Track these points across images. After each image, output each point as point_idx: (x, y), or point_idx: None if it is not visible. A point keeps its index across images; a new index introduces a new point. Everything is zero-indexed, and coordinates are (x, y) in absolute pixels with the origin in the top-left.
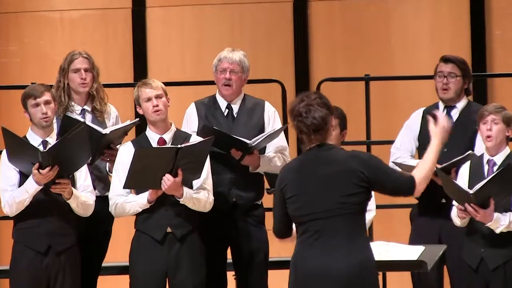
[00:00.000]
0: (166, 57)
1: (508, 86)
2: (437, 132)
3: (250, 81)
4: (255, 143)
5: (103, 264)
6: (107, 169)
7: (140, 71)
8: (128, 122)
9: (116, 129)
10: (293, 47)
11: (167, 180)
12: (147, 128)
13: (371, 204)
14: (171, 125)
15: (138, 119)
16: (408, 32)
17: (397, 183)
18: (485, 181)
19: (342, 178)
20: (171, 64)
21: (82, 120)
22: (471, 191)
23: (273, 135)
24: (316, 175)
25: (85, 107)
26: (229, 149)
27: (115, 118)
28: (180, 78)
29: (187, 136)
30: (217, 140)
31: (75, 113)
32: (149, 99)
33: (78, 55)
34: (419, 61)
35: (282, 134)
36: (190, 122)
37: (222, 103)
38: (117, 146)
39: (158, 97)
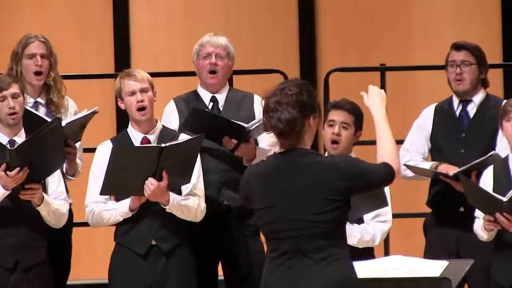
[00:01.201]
0: (152, 45)
1: None
2: (374, 101)
3: (249, 72)
4: (253, 127)
5: (81, 282)
6: (64, 171)
7: (122, 61)
8: (85, 112)
9: (72, 121)
10: (297, 33)
11: (150, 184)
12: (129, 125)
13: (387, 215)
14: (156, 122)
15: (97, 107)
16: (429, 16)
17: (381, 179)
18: None
19: (316, 192)
20: (158, 53)
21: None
22: (504, 198)
23: None
24: (287, 186)
25: (39, 99)
26: (221, 138)
27: (73, 114)
28: (168, 68)
29: (175, 135)
30: (207, 128)
31: (28, 105)
32: (132, 93)
33: (34, 39)
34: (442, 49)
35: None
36: (170, 121)
37: (206, 96)
38: (78, 144)
39: (143, 91)
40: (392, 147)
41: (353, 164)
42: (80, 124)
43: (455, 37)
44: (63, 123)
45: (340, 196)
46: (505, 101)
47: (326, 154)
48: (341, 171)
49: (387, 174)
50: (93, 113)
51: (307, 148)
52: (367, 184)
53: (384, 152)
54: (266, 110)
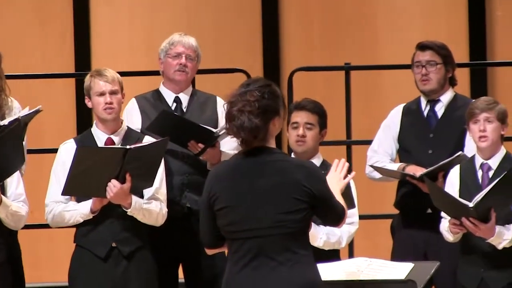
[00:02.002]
0: (112, 43)
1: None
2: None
3: (212, 71)
4: (221, 132)
5: (42, 285)
6: None
7: (82, 59)
8: (26, 111)
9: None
10: (261, 32)
11: (113, 186)
12: (94, 125)
13: (353, 217)
14: (121, 123)
15: (40, 106)
16: (395, 15)
17: (334, 214)
18: (486, 191)
19: (283, 191)
20: (118, 51)
21: None
22: (470, 204)
23: None
24: (253, 185)
25: None
26: (187, 142)
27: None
28: (128, 67)
29: (139, 137)
30: (173, 131)
31: None
32: (102, 94)
33: None
34: (408, 48)
35: None
36: (131, 119)
37: (169, 96)
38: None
39: (113, 93)
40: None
41: (323, 177)
42: (23, 123)
43: (421, 36)
44: (3, 123)
45: (306, 197)
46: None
47: (292, 155)
48: (309, 173)
49: (342, 212)
50: (36, 112)
51: (273, 147)
52: (324, 205)
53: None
54: (228, 118)
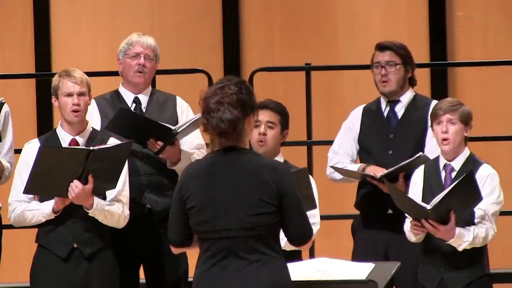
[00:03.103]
0: (73, 43)
1: (472, 76)
2: None
3: (173, 71)
4: (180, 129)
5: (2, 285)
6: None
7: (43, 59)
8: None
9: None
10: (221, 32)
11: (75, 187)
12: (59, 126)
13: (315, 217)
14: (87, 124)
15: (3, 98)
16: (356, 15)
17: (297, 226)
18: (444, 193)
19: (253, 192)
20: (80, 51)
21: None
22: (428, 207)
23: (197, 123)
24: (224, 185)
25: None
26: (146, 140)
27: None
28: (90, 67)
29: (104, 138)
30: (132, 129)
31: None
32: (69, 95)
33: None
34: (368, 48)
35: (199, 131)
36: (91, 120)
37: (128, 97)
38: None
39: (80, 94)
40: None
41: (293, 182)
42: None
43: (381, 37)
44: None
45: (276, 200)
46: (434, 101)
47: None
48: (279, 175)
49: (306, 233)
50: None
51: (246, 148)
52: (288, 213)
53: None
54: (207, 111)
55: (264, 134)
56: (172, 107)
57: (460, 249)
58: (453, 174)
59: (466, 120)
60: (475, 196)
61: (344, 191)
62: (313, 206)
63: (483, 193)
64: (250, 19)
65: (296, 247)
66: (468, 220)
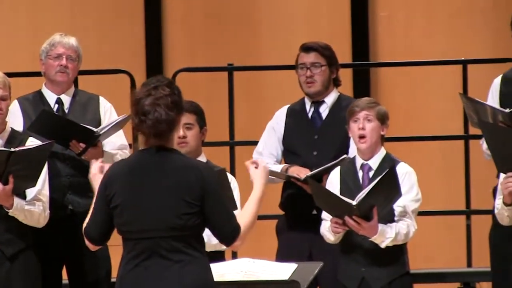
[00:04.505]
0: None
1: (394, 76)
2: (259, 178)
3: (95, 72)
4: (102, 131)
5: None
6: None
7: None
8: None
9: None
10: (144, 32)
11: None
12: None
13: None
14: (6, 125)
15: None
16: (278, 16)
17: (224, 225)
18: (368, 188)
19: (176, 193)
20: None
21: None
22: (354, 202)
23: (120, 124)
24: (148, 185)
25: None
26: (68, 142)
27: None
28: (10, 67)
29: (23, 138)
30: (54, 131)
31: None
32: None
33: None
34: (291, 49)
35: (122, 132)
36: (14, 121)
37: (51, 98)
38: None
39: (2, 98)
40: (250, 221)
41: (216, 181)
42: None
43: (304, 37)
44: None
45: (199, 201)
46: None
47: None
48: (202, 176)
49: (230, 232)
50: None
51: (173, 148)
52: (210, 211)
53: (242, 218)
54: (142, 112)
55: (184, 137)
56: (95, 107)
57: (383, 246)
58: (371, 174)
59: (382, 118)
60: (395, 192)
61: (267, 191)
62: (233, 207)
63: (402, 190)
64: (173, 19)
65: (226, 246)
66: (388, 218)
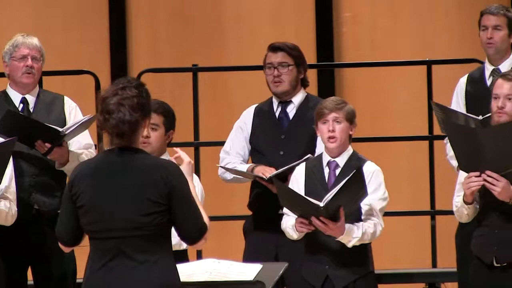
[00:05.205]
0: None
1: (359, 77)
2: (185, 171)
3: (60, 73)
4: (68, 131)
5: None
6: None
7: None
8: None
9: None
10: (108, 33)
11: None
12: None
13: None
14: None
15: None
16: (243, 16)
17: (190, 224)
18: (336, 190)
19: (142, 192)
20: None
21: None
22: (321, 204)
23: (86, 124)
24: (114, 185)
25: None
26: (34, 142)
27: None
28: None
29: None
30: (20, 131)
31: None
32: None
33: None
34: (256, 49)
35: (87, 132)
36: None
37: (15, 97)
38: None
39: None
40: (207, 220)
41: (184, 180)
42: None
43: (269, 38)
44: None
45: (165, 200)
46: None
47: None
48: (169, 174)
49: (197, 231)
50: None
51: (138, 148)
52: (177, 210)
53: (204, 218)
54: (107, 111)
55: (148, 137)
56: (60, 107)
57: (349, 245)
58: (338, 171)
59: (351, 118)
60: (362, 192)
61: (233, 191)
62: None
63: (369, 189)
64: (137, 20)
65: (190, 245)
66: (355, 217)
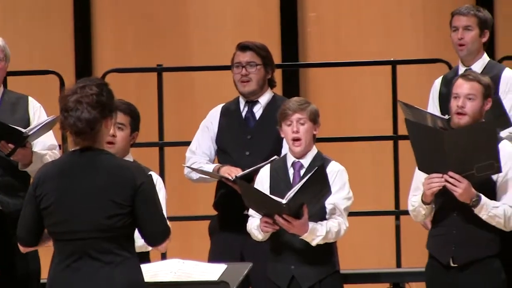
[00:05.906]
0: None
1: (324, 77)
2: None
3: (24, 73)
4: (31, 132)
5: None
6: None
7: None
8: None
9: None
10: (73, 33)
11: None
12: None
13: None
14: None
15: None
16: (208, 17)
17: (154, 226)
18: (298, 187)
19: (106, 193)
20: None
21: None
22: (284, 201)
23: (50, 124)
24: (78, 186)
25: None
26: None
27: None
28: None
29: None
30: None
31: None
32: None
33: None
34: (222, 49)
35: (51, 132)
36: None
37: None
38: None
39: None
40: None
41: (150, 181)
42: None
43: (234, 38)
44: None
45: (129, 201)
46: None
47: None
48: (132, 176)
49: (160, 235)
50: None
51: (102, 149)
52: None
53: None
54: (65, 109)
55: (114, 136)
56: (24, 107)
57: (313, 243)
58: (302, 171)
59: (314, 118)
60: (325, 189)
61: (197, 192)
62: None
63: (334, 188)
64: (102, 20)
65: (153, 246)
66: (320, 215)
